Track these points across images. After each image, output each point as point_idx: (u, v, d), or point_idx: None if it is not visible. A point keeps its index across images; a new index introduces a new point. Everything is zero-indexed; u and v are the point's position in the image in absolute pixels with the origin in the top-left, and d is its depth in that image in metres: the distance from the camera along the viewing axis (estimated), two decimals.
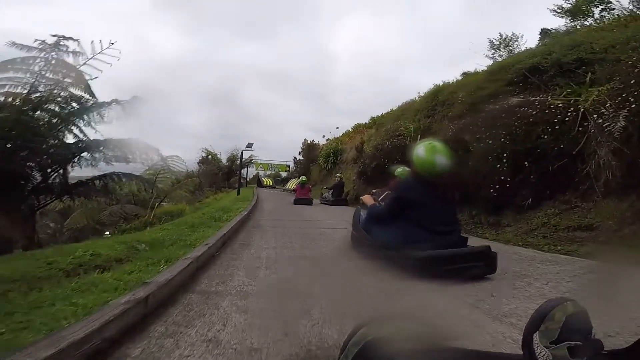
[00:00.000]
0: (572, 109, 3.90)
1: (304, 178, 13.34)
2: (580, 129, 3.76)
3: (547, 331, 0.62)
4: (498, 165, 4.11)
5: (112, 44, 7.33)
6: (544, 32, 11.91)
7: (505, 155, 4.09)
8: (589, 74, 4.31)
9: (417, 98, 11.09)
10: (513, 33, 13.07)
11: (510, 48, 12.62)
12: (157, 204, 13.72)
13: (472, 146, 4.56)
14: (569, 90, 4.38)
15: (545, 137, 3.85)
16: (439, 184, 2.51)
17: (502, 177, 4.05)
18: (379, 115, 14.76)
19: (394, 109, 12.71)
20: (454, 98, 7.45)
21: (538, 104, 4.16)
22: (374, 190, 11.20)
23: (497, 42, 13.18)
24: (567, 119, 3.84)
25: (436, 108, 8.53)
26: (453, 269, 2.13)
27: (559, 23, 11.06)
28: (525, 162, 3.97)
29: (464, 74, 10.36)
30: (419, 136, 7.96)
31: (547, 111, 4.04)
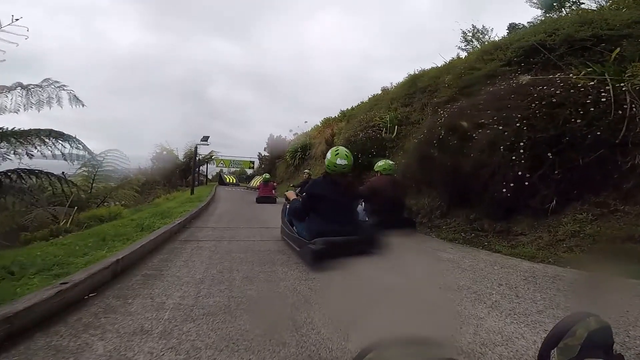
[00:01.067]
0: (607, 87, 3.03)
1: (267, 175, 12.18)
2: (620, 112, 2.89)
3: (567, 348, 0.60)
4: (513, 157, 3.16)
5: (16, 20, 5.55)
6: (512, 27, 11.60)
7: (521, 144, 3.15)
8: (617, 49, 3.51)
9: (390, 88, 10.23)
10: (483, 26, 12.71)
11: (483, 41, 12.21)
12: (98, 204, 11.73)
13: (475, 134, 3.59)
14: (587, 69, 3.55)
15: (577, 121, 2.94)
16: (342, 182, 3.08)
17: (519, 173, 3.10)
18: (350, 108, 13.82)
19: (365, 101, 11.78)
20: (438, 83, 6.57)
21: (561, 83, 3.27)
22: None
23: (470, 34, 12.75)
24: (602, 99, 2.96)
25: (415, 95, 7.66)
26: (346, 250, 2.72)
27: (526, 17, 10.87)
28: (549, 154, 3.05)
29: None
30: (396, 127, 7.03)
31: (572, 91, 3.15)
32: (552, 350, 0.60)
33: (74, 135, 6.95)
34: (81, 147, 7.17)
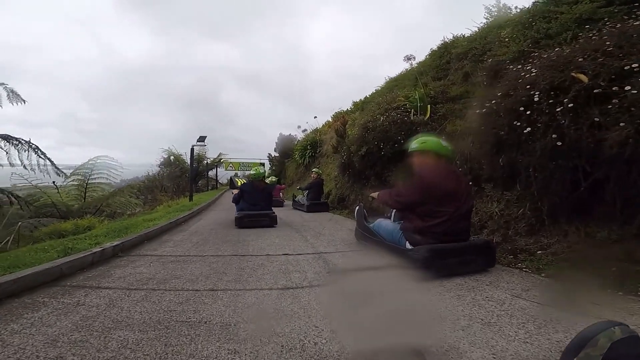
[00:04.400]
0: None
1: (273, 178, 10.77)
2: None
3: (587, 357, 0.57)
4: None
5: None
6: None
7: None
8: None
9: (412, 65, 8.45)
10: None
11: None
12: (94, 213, 10.56)
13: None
14: None
15: None
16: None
17: None
18: (363, 98, 12.03)
19: (382, 85, 9.98)
20: (487, 43, 4.84)
21: None
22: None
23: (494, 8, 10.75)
24: None
25: (450, 65, 5.93)
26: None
27: None
28: None
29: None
30: (429, 106, 5.32)
31: None
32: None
33: (27, 139, 5.63)
34: (39, 154, 5.81)
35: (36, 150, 5.68)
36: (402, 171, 5.32)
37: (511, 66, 3.25)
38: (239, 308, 1.74)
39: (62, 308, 1.72)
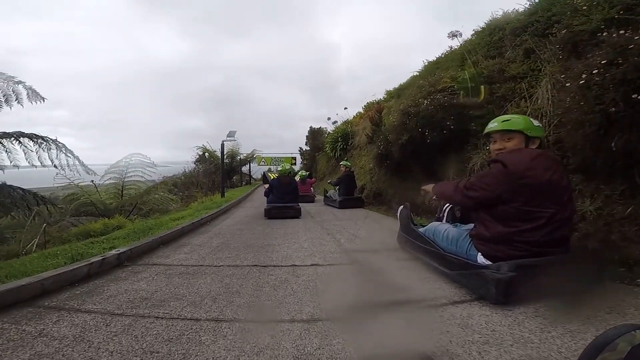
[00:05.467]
0: None
1: (304, 172, 10.43)
2: None
3: None
4: None
5: None
6: None
7: None
8: None
9: (458, 41, 7.50)
10: None
11: None
12: (131, 211, 10.79)
13: None
14: None
15: None
16: None
17: None
18: (398, 85, 11.08)
19: (419, 70, 9.05)
20: (549, 18, 3.97)
21: None
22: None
23: None
24: None
25: (504, 42, 5.05)
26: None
27: None
28: None
29: None
30: (482, 87, 4.54)
31: None
32: None
33: (53, 138, 5.58)
34: (65, 152, 5.76)
35: (62, 148, 5.61)
36: (454, 161, 4.62)
37: (604, 34, 2.46)
38: (247, 354, 1.24)
39: (17, 339, 1.34)
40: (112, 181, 11.58)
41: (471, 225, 2.00)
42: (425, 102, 4.78)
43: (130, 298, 1.82)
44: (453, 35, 5.58)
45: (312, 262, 2.60)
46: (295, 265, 2.50)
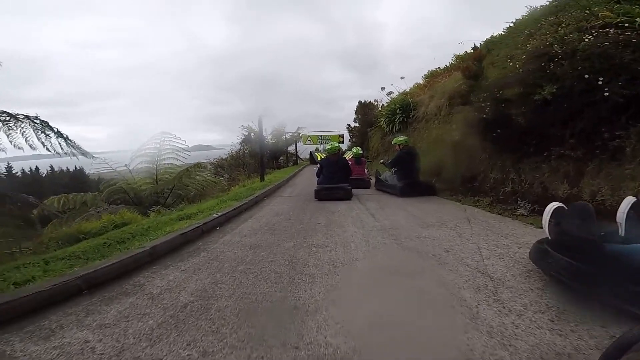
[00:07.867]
0: None
1: (357, 150, 8.32)
2: None
3: None
4: None
5: None
6: None
7: None
8: None
9: None
10: None
11: None
12: (166, 198, 9.93)
13: None
14: None
15: None
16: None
17: None
18: (490, 36, 8.19)
19: (525, 16, 6.40)
20: None
21: None
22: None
23: None
24: None
25: None
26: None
27: None
28: None
29: None
30: None
31: None
32: None
33: (34, 116, 4.54)
34: (49, 132, 4.72)
35: (45, 127, 4.55)
36: None
37: None
38: None
39: None
40: (142, 165, 10.67)
41: None
42: (589, 37, 2.70)
43: None
44: None
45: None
46: None
